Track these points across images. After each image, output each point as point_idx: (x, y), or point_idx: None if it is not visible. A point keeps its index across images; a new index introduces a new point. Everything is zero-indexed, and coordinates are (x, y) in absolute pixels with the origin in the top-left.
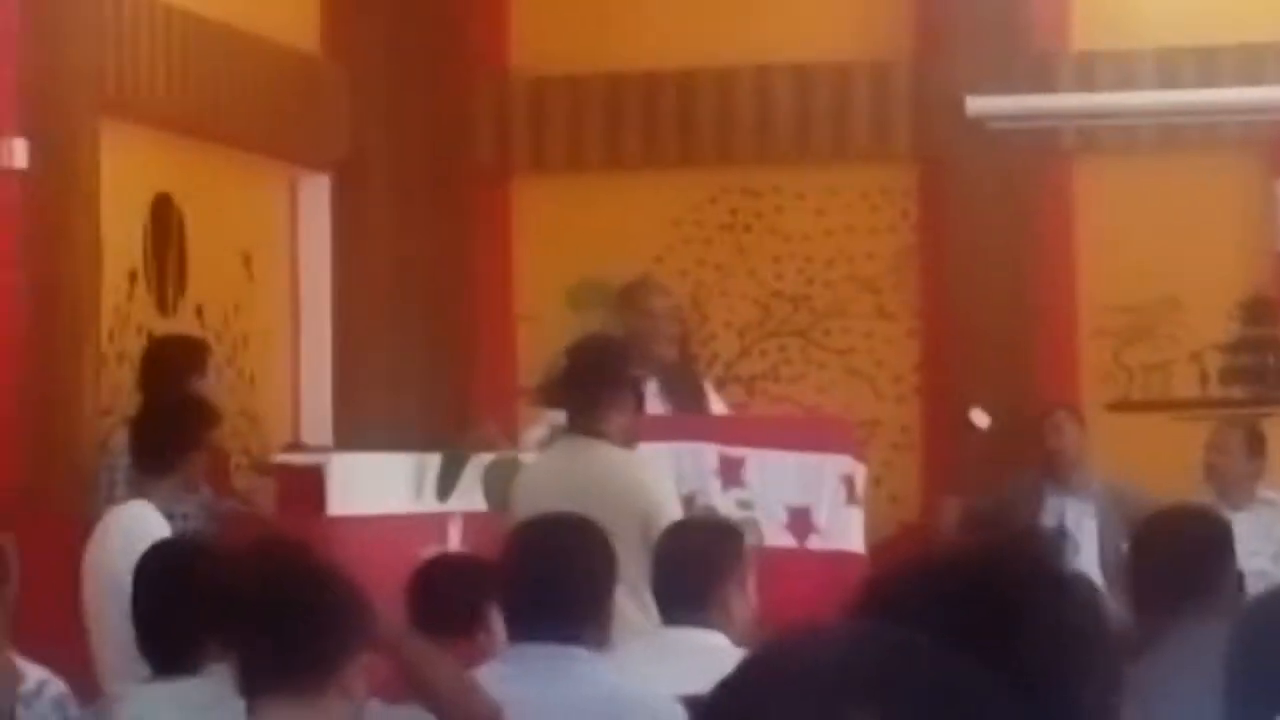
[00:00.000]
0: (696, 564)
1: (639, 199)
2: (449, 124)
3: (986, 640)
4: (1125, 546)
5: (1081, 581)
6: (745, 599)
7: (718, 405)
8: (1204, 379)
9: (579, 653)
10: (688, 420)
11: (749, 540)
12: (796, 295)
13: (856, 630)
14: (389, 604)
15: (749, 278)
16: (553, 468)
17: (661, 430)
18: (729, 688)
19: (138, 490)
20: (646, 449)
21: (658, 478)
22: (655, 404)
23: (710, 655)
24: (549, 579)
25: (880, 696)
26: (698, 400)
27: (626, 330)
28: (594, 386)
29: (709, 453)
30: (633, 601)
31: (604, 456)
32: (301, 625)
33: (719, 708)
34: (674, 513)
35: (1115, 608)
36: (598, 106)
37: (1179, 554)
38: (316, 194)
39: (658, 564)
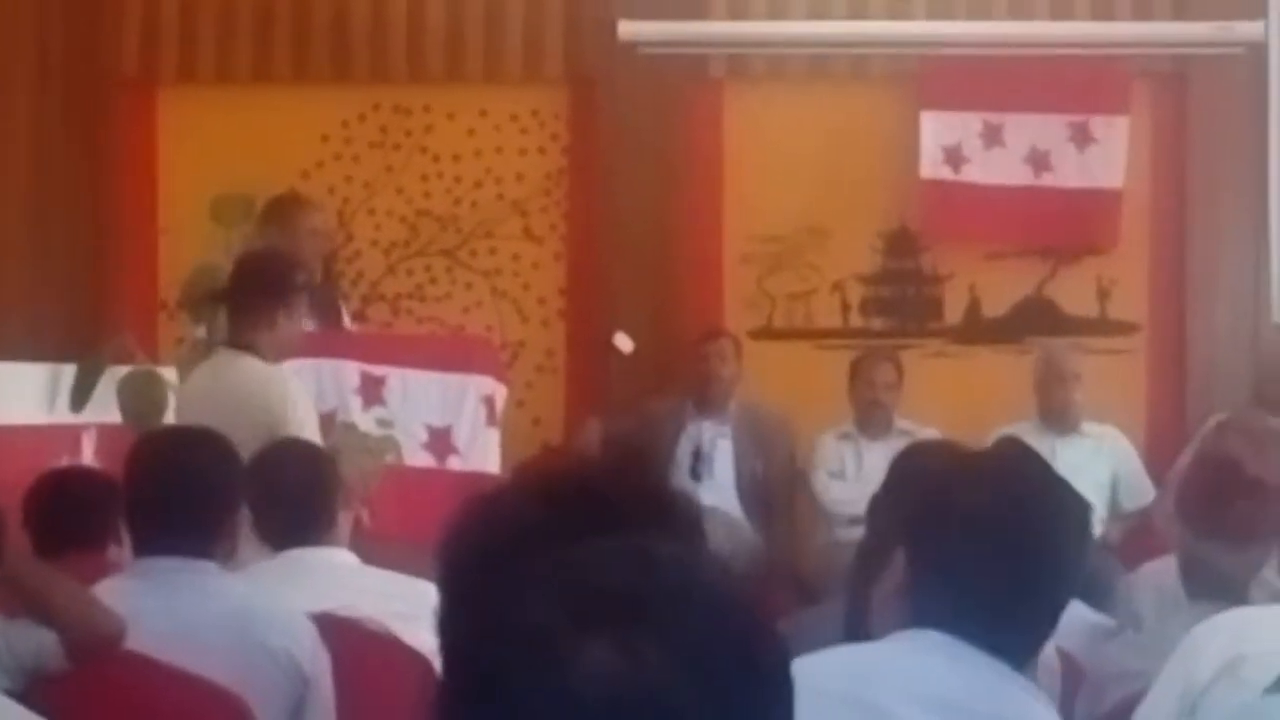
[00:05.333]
0: (310, 489)
1: (288, 113)
2: (94, 30)
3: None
4: (760, 468)
5: (687, 504)
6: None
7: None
8: (845, 309)
9: (206, 566)
10: (331, 337)
11: (388, 459)
12: (444, 215)
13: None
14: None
15: (397, 196)
16: (202, 382)
17: (304, 346)
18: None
19: None
20: (289, 365)
21: (287, 395)
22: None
23: (341, 572)
24: (172, 493)
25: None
26: (335, 322)
27: (271, 246)
28: (247, 299)
29: (350, 370)
30: None
31: (244, 371)
32: None
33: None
34: (296, 430)
35: (750, 530)
36: (247, 18)
37: None
38: None
39: (265, 491)
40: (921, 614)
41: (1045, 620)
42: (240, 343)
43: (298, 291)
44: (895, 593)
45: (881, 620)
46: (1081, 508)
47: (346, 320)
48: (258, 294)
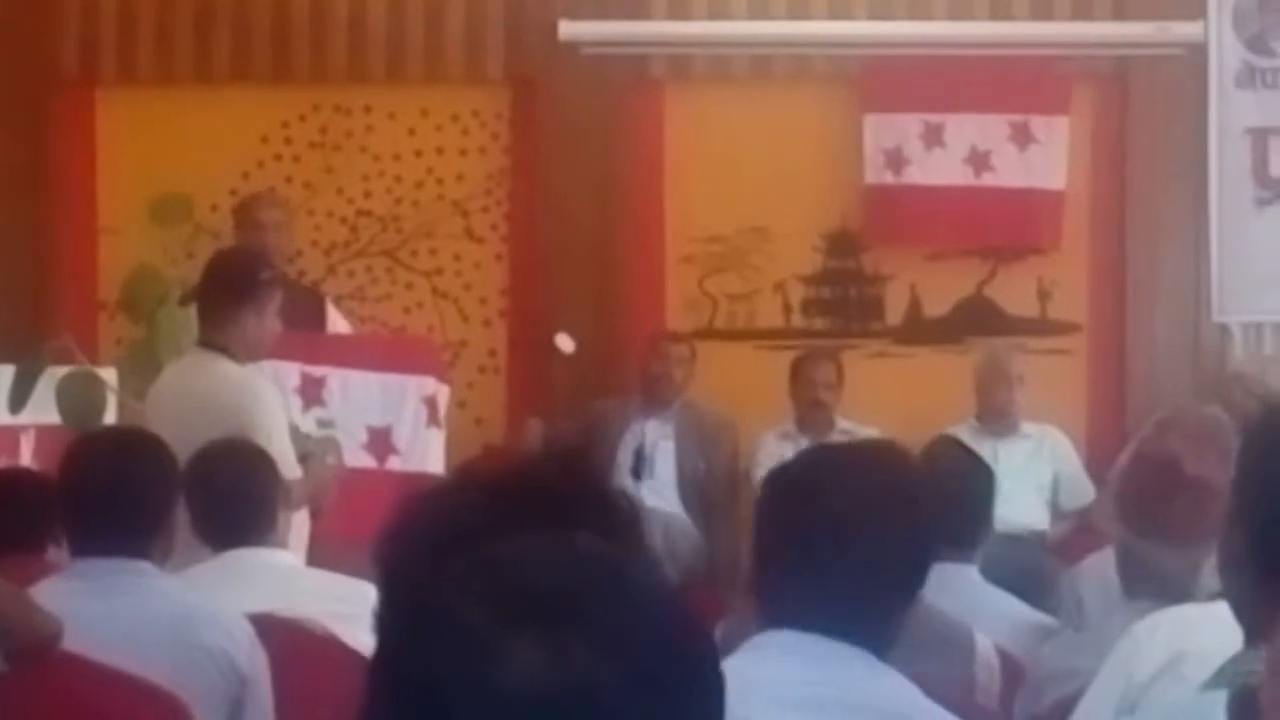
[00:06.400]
0: (249, 489)
1: (228, 114)
2: (33, 30)
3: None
4: (702, 468)
5: (626, 502)
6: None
7: (340, 323)
8: (787, 309)
9: (144, 566)
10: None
11: (329, 460)
12: (385, 215)
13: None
14: None
15: (337, 196)
16: (173, 382)
17: None
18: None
19: None
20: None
21: (258, 397)
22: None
23: (280, 573)
24: (108, 494)
25: None
26: (318, 322)
27: (237, 244)
28: (220, 300)
29: (290, 371)
30: None
31: (215, 372)
32: None
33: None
34: (265, 432)
35: (691, 530)
36: (187, 18)
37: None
38: None
39: (206, 489)
40: (768, 616)
41: (891, 607)
42: (211, 343)
43: (266, 290)
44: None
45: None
46: (911, 493)
47: (335, 319)
48: (226, 293)
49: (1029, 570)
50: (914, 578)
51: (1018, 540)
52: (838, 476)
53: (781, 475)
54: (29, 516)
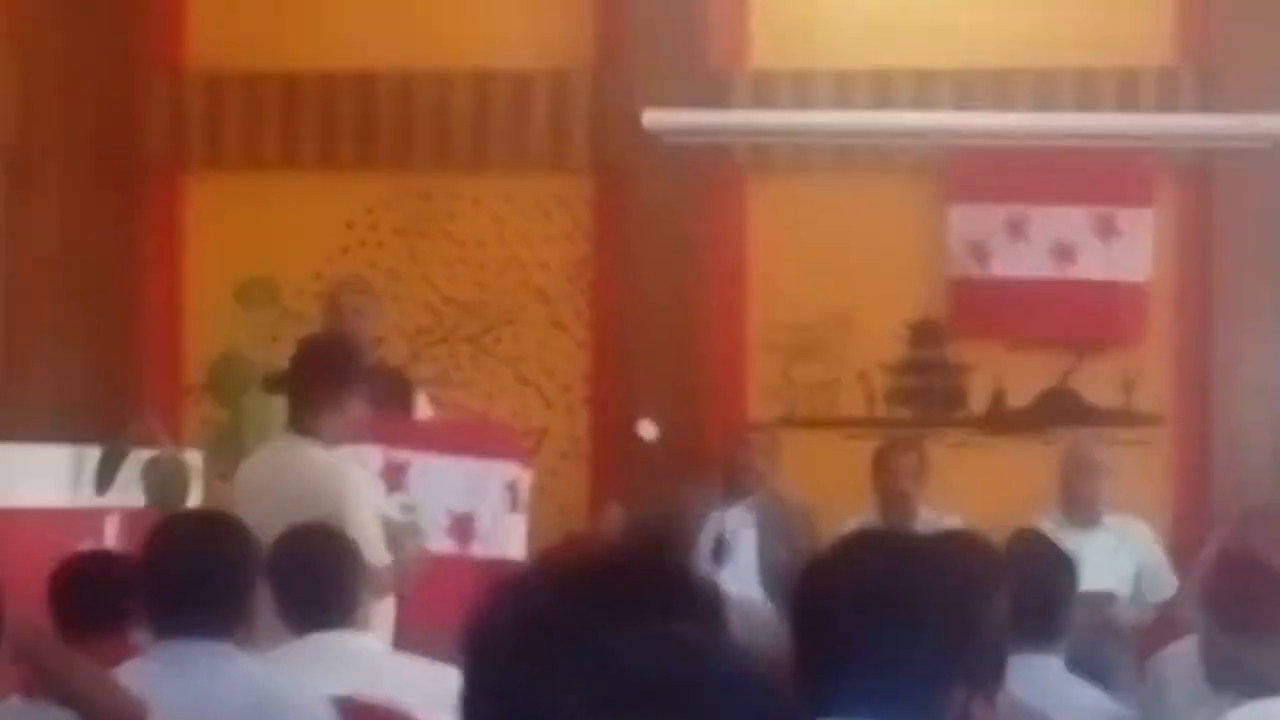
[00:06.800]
0: (331, 572)
1: (313, 199)
2: (123, 116)
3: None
4: (783, 557)
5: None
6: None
7: (427, 409)
8: (870, 398)
9: (225, 649)
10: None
11: (411, 545)
12: (469, 302)
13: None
14: (41, 601)
15: (421, 283)
16: (262, 465)
17: None
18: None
19: None
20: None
21: (348, 483)
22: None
23: (365, 656)
24: (191, 576)
25: None
26: (406, 407)
27: (326, 330)
28: (309, 385)
29: (373, 455)
30: None
31: (306, 458)
32: None
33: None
34: (354, 520)
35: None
36: (274, 105)
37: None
38: None
39: (288, 572)
40: (814, 707)
41: (944, 696)
42: (302, 427)
43: (358, 377)
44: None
45: None
46: (953, 581)
47: (424, 406)
48: (319, 379)
49: (1112, 662)
50: (973, 667)
51: (1102, 631)
52: (878, 562)
53: (822, 562)
54: (112, 598)
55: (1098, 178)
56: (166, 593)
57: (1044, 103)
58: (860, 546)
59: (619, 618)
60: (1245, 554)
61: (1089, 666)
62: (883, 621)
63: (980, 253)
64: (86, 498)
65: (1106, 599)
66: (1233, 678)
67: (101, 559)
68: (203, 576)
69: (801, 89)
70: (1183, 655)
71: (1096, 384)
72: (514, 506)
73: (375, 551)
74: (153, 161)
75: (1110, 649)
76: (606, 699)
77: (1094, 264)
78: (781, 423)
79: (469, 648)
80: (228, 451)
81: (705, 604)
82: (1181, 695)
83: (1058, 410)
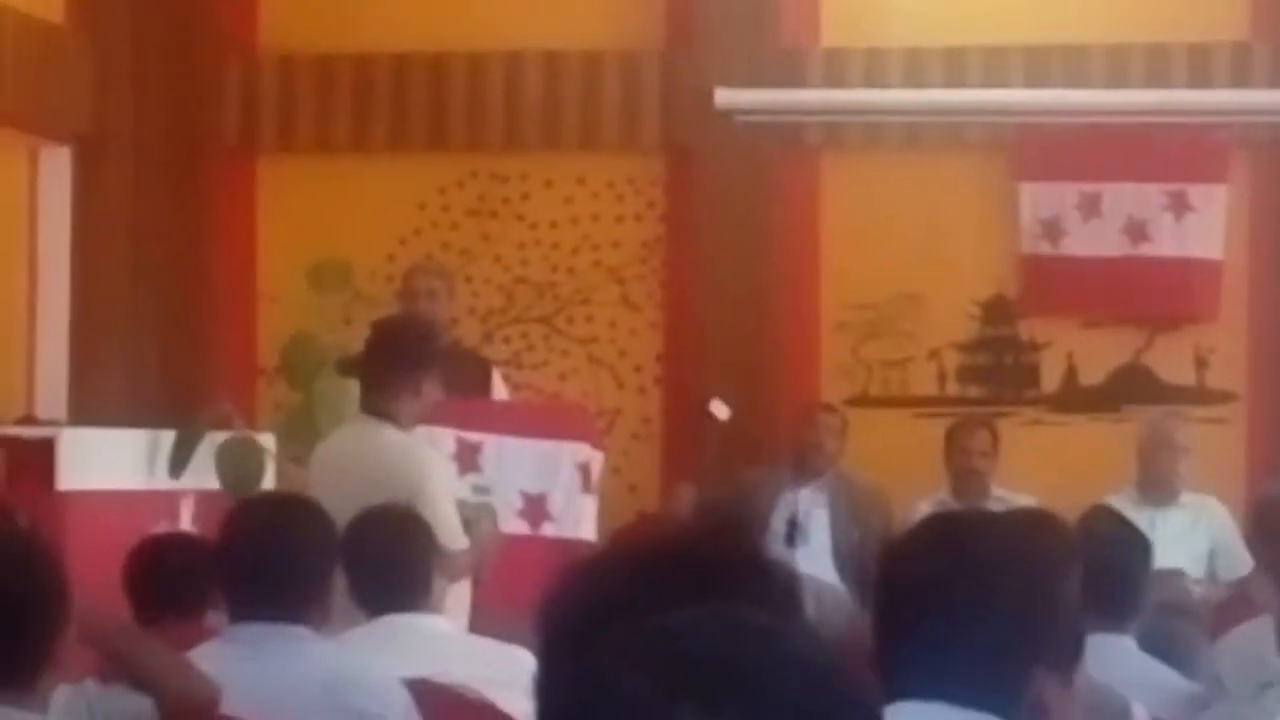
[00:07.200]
0: (404, 555)
1: (385, 181)
2: (195, 100)
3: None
4: (856, 536)
5: (783, 572)
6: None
7: (503, 389)
8: (942, 377)
9: (300, 632)
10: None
11: (485, 526)
12: (541, 282)
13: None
14: (116, 583)
15: (494, 263)
16: (338, 448)
17: None
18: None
19: None
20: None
21: (425, 466)
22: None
23: (438, 639)
24: (267, 559)
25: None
26: (484, 389)
27: (402, 312)
28: (385, 368)
29: (446, 437)
30: None
31: (383, 441)
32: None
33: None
34: (431, 501)
35: (846, 599)
36: (346, 87)
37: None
38: (57, 166)
39: (361, 555)
40: (893, 688)
41: (1020, 675)
42: (377, 410)
43: (435, 359)
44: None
45: None
46: (1046, 559)
47: (500, 387)
48: (396, 362)
49: (1185, 640)
50: (1048, 647)
51: (1175, 610)
52: (955, 543)
53: (900, 544)
54: (188, 581)
55: (1170, 154)
56: (242, 576)
57: (1116, 79)
58: (935, 528)
59: (688, 599)
60: None
61: (1163, 645)
62: (956, 603)
63: (1052, 230)
64: (161, 481)
65: (1177, 575)
66: None
67: (179, 542)
68: (279, 560)
69: (873, 67)
70: (1247, 635)
71: (1169, 361)
72: (586, 487)
73: (451, 534)
74: (225, 145)
75: (1184, 627)
76: (673, 680)
77: (1167, 241)
78: (853, 402)
79: (541, 629)
80: (301, 434)
81: (778, 586)
82: (1240, 677)
83: (1130, 388)
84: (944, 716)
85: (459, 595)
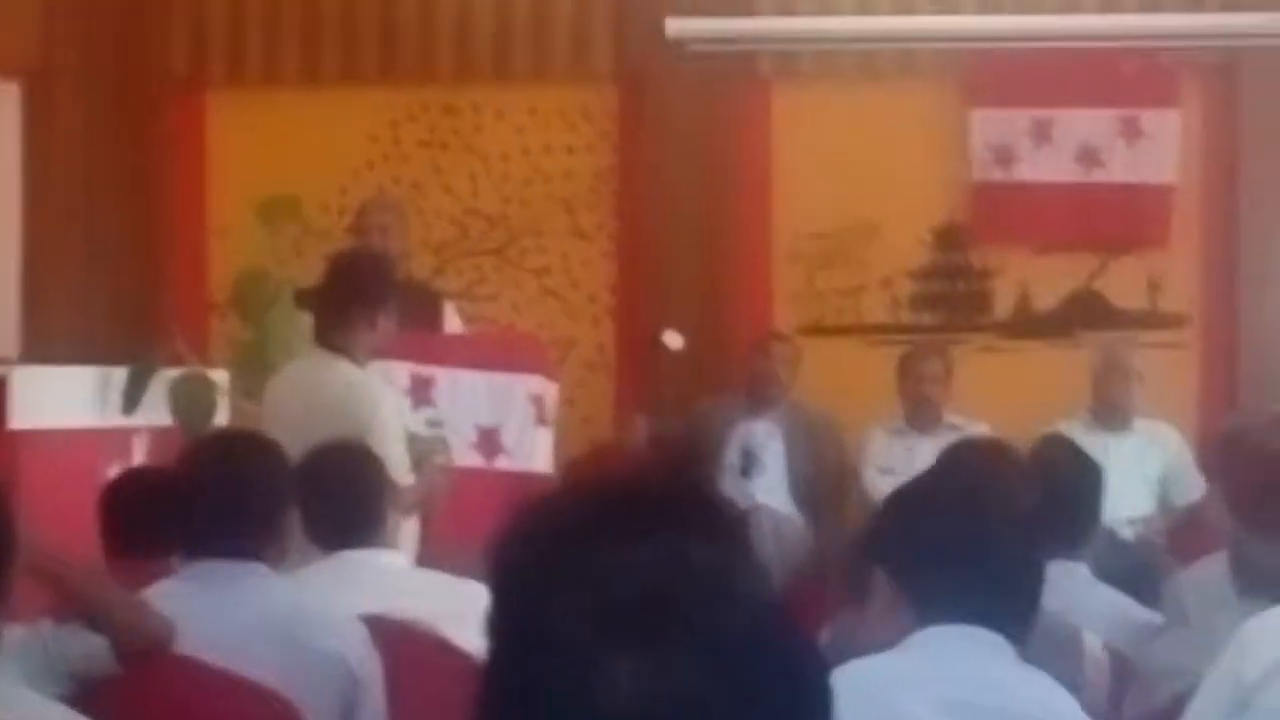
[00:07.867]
0: (358, 490)
1: (336, 114)
2: (143, 33)
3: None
4: (810, 466)
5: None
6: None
7: (456, 322)
8: (895, 305)
9: (256, 568)
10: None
11: (438, 459)
12: (493, 214)
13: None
14: (69, 521)
15: (445, 195)
16: (291, 381)
17: None
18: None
19: None
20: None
21: (376, 401)
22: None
23: (393, 574)
24: (222, 496)
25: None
26: (435, 323)
27: (356, 246)
28: (341, 302)
29: (400, 371)
30: None
31: (334, 374)
32: None
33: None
34: (381, 437)
35: (800, 525)
36: (295, 20)
37: None
38: (5, 102)
39: (315, 490)
40: (925, 615)
41: (1034, 602)
42: (331, 344)
43: (391, 293)
44: (886, 610)
45: (872, 639)
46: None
47: (451, 318)
48: (352, 296)
49: (1139, 567)
50: (1037, 561)
51: (1128, 537)
52: (984, 478)
53: (929, 480)
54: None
55: (1122, 80)
56: (197, 514)
57: (1068, 5)
58: (971, 464)
59: (630, 534)
60: (1272, 454)
61: (1124, 575)
62: (1007, 534)
63: (1004, 157)
64: (114, 418)
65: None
66: (1258, 582)
67: (152, 479)
68: (234, 497)
69: None
70: (1207, 567)
71: (1122, 286)
72: (541, 419)
73: (401, 471)
74: (174, 79)
75: (1145, 556)
76: (607, 614)
77: (1119, 166)
78: (807, 331)
79: (493, 564)
80: (253, 369)
81: (728, 522)
82: (1206, 601)
83: (1084, 314)
84: (975, 643)
85: (407, 531)
